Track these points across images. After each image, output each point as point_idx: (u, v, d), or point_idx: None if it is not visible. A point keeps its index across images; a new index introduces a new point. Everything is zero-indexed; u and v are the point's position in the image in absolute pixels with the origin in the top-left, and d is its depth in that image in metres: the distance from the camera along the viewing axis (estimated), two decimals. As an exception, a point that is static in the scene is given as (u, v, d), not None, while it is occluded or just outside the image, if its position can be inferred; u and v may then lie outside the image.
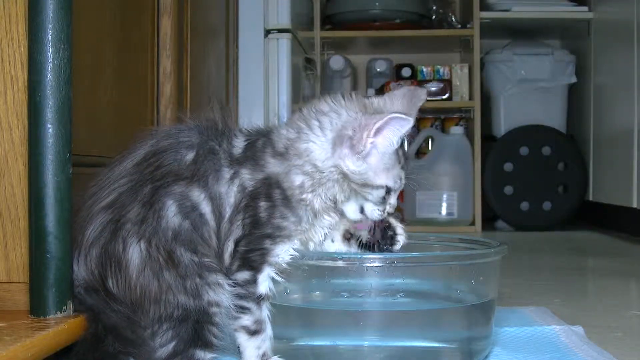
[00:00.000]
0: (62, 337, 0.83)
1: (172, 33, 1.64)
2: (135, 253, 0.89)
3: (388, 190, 0.96)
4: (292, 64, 2.56)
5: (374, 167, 0.94)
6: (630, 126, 2.84)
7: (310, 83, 3.26)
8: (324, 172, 0.94)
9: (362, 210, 0.99)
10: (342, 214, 1.00)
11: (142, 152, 0.95)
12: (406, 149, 1.00)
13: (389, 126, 0.92)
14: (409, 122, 0.92)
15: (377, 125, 0.91)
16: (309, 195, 0.95)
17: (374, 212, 0.98)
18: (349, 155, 0.93)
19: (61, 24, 0.85)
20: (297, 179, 0.95)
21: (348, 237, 1.04)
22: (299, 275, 1.01)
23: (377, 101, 0.99)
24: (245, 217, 0.94)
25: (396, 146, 0.94)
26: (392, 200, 0.98)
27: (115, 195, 0.92)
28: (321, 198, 0.95)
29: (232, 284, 0.94)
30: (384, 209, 0.98)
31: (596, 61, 3.37)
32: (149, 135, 0.97)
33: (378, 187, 0.95)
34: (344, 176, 0.95)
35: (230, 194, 0.94)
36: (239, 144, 0.97)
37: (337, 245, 1.04)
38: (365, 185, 0.95)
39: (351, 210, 0.99)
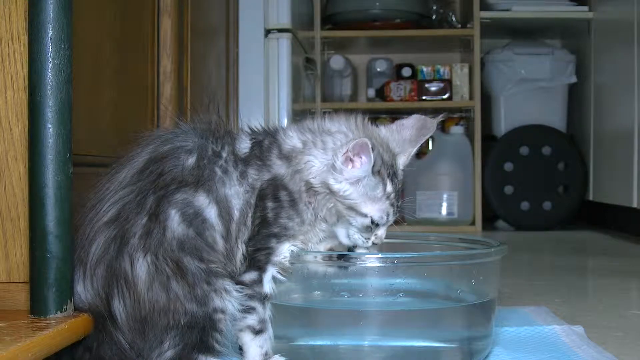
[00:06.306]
0: (63, 337, 0.83)
1: (172, 33, 1.64)
2: (142, 268, 0.89)
3: (373, 222, 0.97)
4: (292, 63, 2.55)
5: (356, 191, 0.95)
6: (631, 126, 2.84)
7: (311, 83, 3.25)
8: (314, 186, 0.96)
9: (349, 236, 1.00)
10: (334, 237, 1.01)
11: (141, 159, 0.94)
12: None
13: (357, 150, 0.93)
14: (372, 152, 0.93)
15: (349, 147, 0.93)
16: (312, 199, 0.96)
17: (358, 238, 0.99)
18: (332, 173, 0.95)
19: (61, 23, 0.85)
20: (300, 184, 0.95)
21: None
22: (299, 274, 1.01)
23: (385, 130, 1.02)
24: (254, 217, 0.95)
25: (369, 170, 0.94)
26: (380, 232, 0.99)
27: (117, 208, 0.91)
28: (321, 204, 0.97)
29: (240, 288, 0.94)
30: (368, 238, 0.99)
31: (596, 61, 3.37)
32: (144, 140, 0.96)
33: (362, 215, 0.97)
34: (332, 193, 0.96)
35: (238, 195, 0.94)
36: (244, 144, 0.98)
37: None
38: (350, 208, 0.96)
39: (341, 233, 1.01)
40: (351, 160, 0.94)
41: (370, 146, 0.92)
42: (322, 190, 0.96)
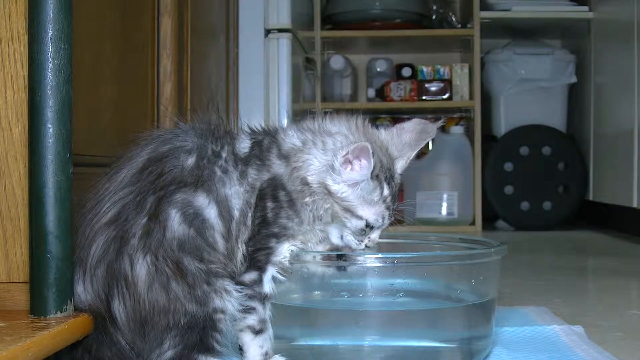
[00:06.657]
0: (63, 337, 0.83)
1: (172, 33, 1.64)
2: (142, 269, 0.89)
3: (368, 225, 0.97)
4: (292, 63, 2.56)
5: (354, 194, 0.95)
6: (631, 126, 2.84)
7: (311, 83, 3.26)
8: (312, 185, 0.95)
9: (342, 237, 1.00)
10: (326, 237, 1.01)
11: (140, 159, 0.94)
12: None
13: (357, 153, 0.93)
14: (372, 157, 0.92)
15: (349, 150, 0.93)
16: (309, 199, 0.96)
17: (351, 240, 0.99)
18: (330, 174, 0.94)
19: (61, 24, 0.85)
20: (297, 182, 0.95)
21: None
22: (299, 274, 1.01)
23: (385, 133, 1.02)
24: (254, 217, 0.95)
25: (367, 174, 0.94)
26: (373, 235, 1.00)
27: (117, 209, 0.91)
28: (319, 205, 0.97)
29: (240, 289, 0.94)
30: (362, 241, 0.99)
31: (596, 61, 3.37)
32: (143, 140, 0.96)
33: (358, 217, 0.96)
34: (329, 194, 0.95)
35: (238, 195, 0.94)
36: (244, 144, 0.98)
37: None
38: (346, 210, 0.96)
39: (334, 234, 1.00)
40: (350, 162, 0.94)
41: (370, 151, 0.92)
42: (319, 191, 0.96)
